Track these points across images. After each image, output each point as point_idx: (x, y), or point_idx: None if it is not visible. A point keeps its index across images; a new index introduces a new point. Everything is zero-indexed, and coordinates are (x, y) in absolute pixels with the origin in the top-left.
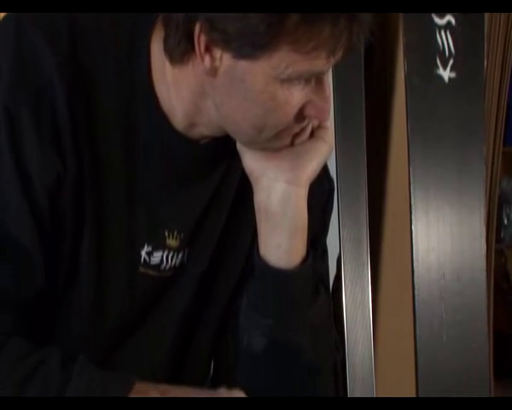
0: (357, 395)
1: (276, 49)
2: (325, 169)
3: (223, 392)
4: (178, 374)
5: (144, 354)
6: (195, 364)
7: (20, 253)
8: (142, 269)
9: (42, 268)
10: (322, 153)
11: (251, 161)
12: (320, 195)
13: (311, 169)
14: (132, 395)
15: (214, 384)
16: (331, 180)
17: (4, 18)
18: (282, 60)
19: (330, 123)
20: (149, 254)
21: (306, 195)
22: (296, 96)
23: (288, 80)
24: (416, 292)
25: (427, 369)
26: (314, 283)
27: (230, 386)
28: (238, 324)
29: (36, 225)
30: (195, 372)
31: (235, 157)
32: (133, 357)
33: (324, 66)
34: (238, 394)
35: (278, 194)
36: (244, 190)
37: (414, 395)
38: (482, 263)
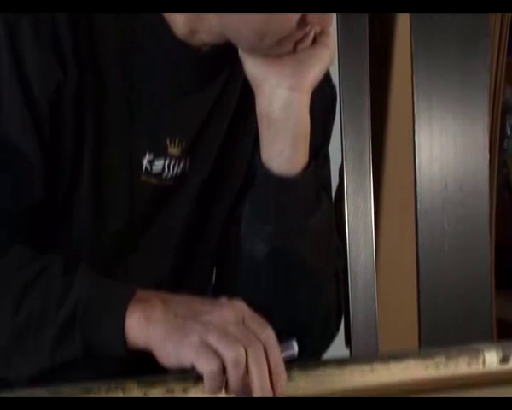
0: (359, 303)
1: None
2: (327, 77)
3: (224, 301)
4: (180, 284)
5: (146, 265)
6: (197, 273)
7: (20, 160)
8: (143, 177)
9: (41, 176)
10: (325, 59)
11: (253, 67)
12: (322, 102)
13: (313, 75)
14: (134, 302)
15: (216, 294)
16: (333, 88)
17: None
18: None
19: (333, 29)
20: (151, 162)
21: (309, 101)
22: None
23: None
24: (418, 203)
25: (429, 279)
26: (316, 190)
27: (232, 296)
28: (240, 232)
29: (36, 132)
30: (197, 282)
31: (237, 65)
32: (135, 268)
33: None
34: (239, 304)
35: (280, 100)
36: (246, 97)
37: (415, 305)
38: (485, 173)
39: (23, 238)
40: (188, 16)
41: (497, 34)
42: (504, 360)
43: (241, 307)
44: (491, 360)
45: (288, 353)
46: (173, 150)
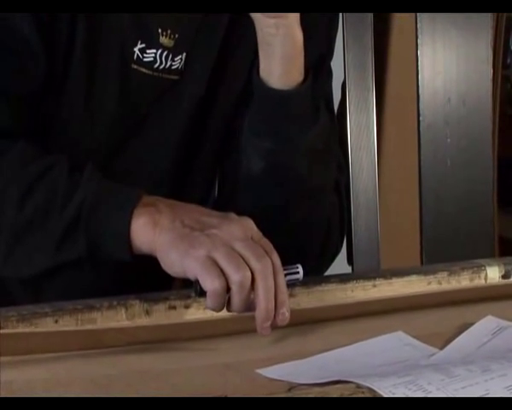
0: (361, 221)
1: None
2: None
3: (233, 217)
4: (181, 192)
5: (144, 168)
6: (198, 183)
7: (19, 42)
8: (134, 66)
9: (40, 60)
10: None
11: None
12: (325, 14)
13: None
14: (141, 206)
15: (218, 208)
16: None
17: None
18: None
19: None
20: (142, 50)
21: (298, 18)
22: None
23: None
24: (420, 117)
25: (431, 195)
26: (314, 104)
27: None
28: (239, 145)
29: (34, 15)
30: (198, 192)
31: None
32: (132, 171)
33: None
34: (248, 221)
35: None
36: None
37: (417, 221)
38: (488, 88)
39: (24, 127)
40: None
41: None
42: (506, 275)
43: (249, 224)
44: (493, 275)
45: (293, 277)
46: (165, 40)
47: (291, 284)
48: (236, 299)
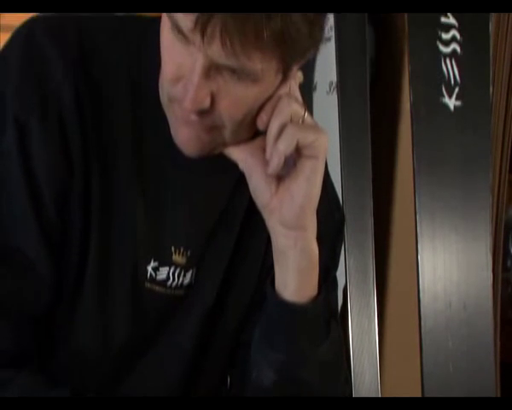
0: None
1: None
2: (336, 199)
3: None
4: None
5: (152, 380)
6: (205, 389)
7: (25, 264)
8: (147, 284)
9: (47, 283)
10: (313, 175)
11: (253, 193)
12: (331, 226)
13: (308, 207)
14: None
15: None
16: (341, 211)
17: (18, 26)
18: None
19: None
20: (155, 269)
21: (314, 233)
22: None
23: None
24: (422, 322)
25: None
26: (326, 318)
27: None
28: (248, 355)
29: (42, 236)
30: (209, 393)
31: (242, 185)
32: (142, 381)
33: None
34: None
35: (283, 237)
36: (253, 213)
37: None
38: (488, 292)
39: (29, 351)
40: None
41: (499, 152)
42: None
43: None
44: None
45: None
46: (178, 258)
47: None
48: None
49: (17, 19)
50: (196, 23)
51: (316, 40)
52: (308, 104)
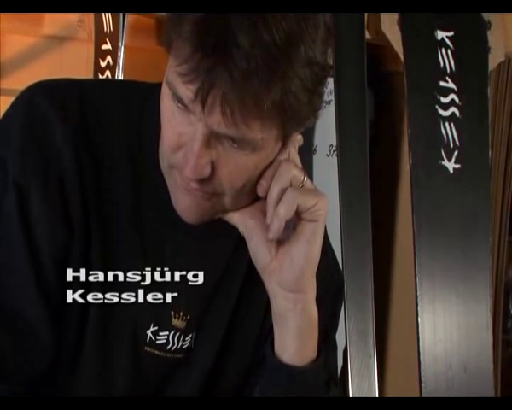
0: None
1: None
2: (335, 261)
3: None
4: None
5: None
6: None
7: (25, 326)
8: (147, 348)
9: (47, 344)
10: (313, 237)
11: (253, 255)
12: (330, 288)
13: (308, 269)
14: None
15: None
16: (341, 273)
17: (21, 90)
18: None
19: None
20: (155, 333)
21: (314, 296)
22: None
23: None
24: (422, 384)
25: None
26: (326, 380)
27: None
28: None
29: (42, 297)
30: None
31: (242, 248)
32: None
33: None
34: None
35: (283, 300)
36: (252, 276)
37: None
38: (489, 354)
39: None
40: None
41: (498, 214)
42: None
43: None
44: None
45: None
46: (177, 322)
47: None
48: None
49: (19, 83)
50: (197, 94)
51: (315, 108)
52: (308, 167)
